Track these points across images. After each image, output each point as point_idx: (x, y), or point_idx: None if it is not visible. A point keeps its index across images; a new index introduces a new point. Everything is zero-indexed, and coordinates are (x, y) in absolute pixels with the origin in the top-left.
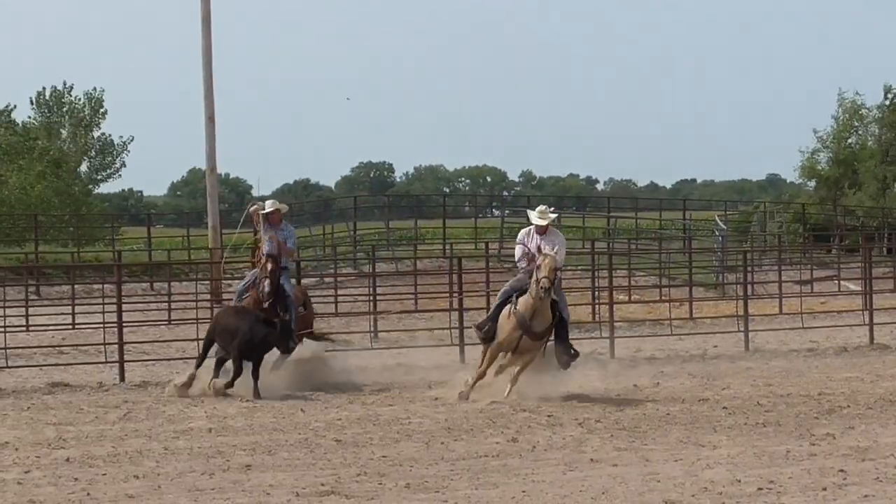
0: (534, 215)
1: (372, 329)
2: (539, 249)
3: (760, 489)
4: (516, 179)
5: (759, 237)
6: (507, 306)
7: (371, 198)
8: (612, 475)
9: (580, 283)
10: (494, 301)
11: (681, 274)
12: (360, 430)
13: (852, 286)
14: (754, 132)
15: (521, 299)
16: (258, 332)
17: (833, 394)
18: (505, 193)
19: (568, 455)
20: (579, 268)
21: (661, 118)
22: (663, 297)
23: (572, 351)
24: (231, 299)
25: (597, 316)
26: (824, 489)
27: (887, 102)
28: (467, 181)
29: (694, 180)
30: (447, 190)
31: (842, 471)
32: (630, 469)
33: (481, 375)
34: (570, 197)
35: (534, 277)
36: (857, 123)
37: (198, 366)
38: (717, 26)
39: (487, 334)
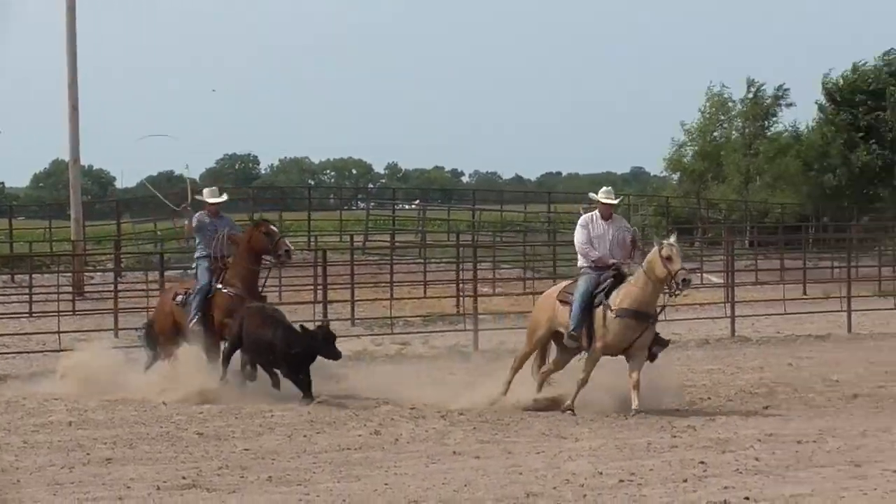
0: (600, 195)
1: None
2: (632, 239)
3: (622, 481)
4: (382, 172)
5: None
6: (600, 308)
7: (236, 190)
8: (474, 467)
9: (444, 276)
10: (574, 303)
11: (545, 266)
12: (223, 424)
13: (714, 279)
14: (619, 125)
15: (625, 294)
16: (301, 344)
17: (694, 386)
18: (370, 186)
19: (431, 447)
20: (444, 260)
21: (526, 111)
22: (527, 290)
23: (662, 341)
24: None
25: (461, 308)
26: (685, 481)
27: (751, 95)
28: (332, 173)
29: (559, 173)
30: (312, 182)
31: (702, 462)
32: (492, 461)
33: (584, 382)
34: (436, 190)
35: (658, 269)
36: (722, 117)
37: (224, 374)
38: (583, 19)
39: (581, 341)
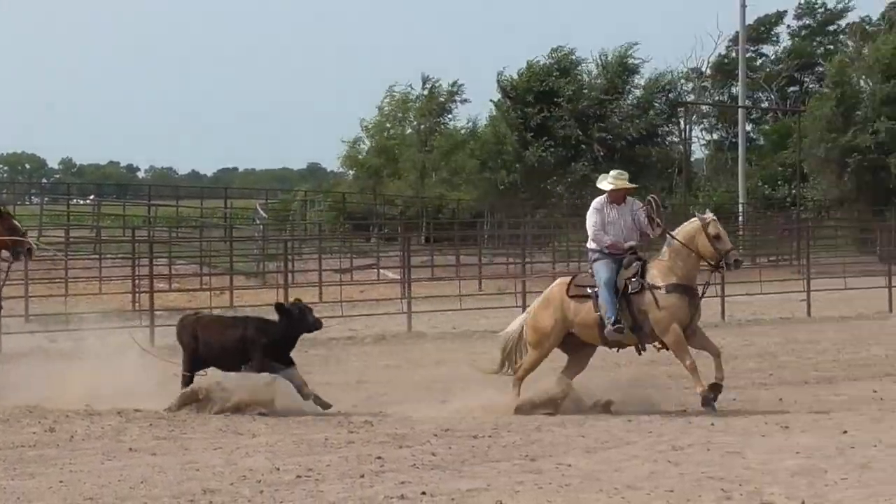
0: (607, 180)
1: None
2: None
3: (299, 476)
4: (56, 167)
5: (300, 226)
6: (645, 292)
7: None
8: (150, 464)
9: (120, 272)
10: (601, 292)
11: (222, 262)
12: None
13: (391, 274)
14: (294, 122)
15: (664, 271)
16: (279, 328)
17: (371, 381)
18: (44, 181)
19: (106, 444)
20: (119, 256)
21: (202, 106)
22: (204, 286)
23: None
24: None
25: (137, 304)
26: (362, 476)
27: (426, 91)
28: (5, 168)
29: (235, 168)
30: None
31: (379, 458)
32: (169, 458)
33: (694, 367)
34: (111, 185)
35: (703, 247)
36: (401, 115)
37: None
38: (256, 19)
39: (623, 327)
